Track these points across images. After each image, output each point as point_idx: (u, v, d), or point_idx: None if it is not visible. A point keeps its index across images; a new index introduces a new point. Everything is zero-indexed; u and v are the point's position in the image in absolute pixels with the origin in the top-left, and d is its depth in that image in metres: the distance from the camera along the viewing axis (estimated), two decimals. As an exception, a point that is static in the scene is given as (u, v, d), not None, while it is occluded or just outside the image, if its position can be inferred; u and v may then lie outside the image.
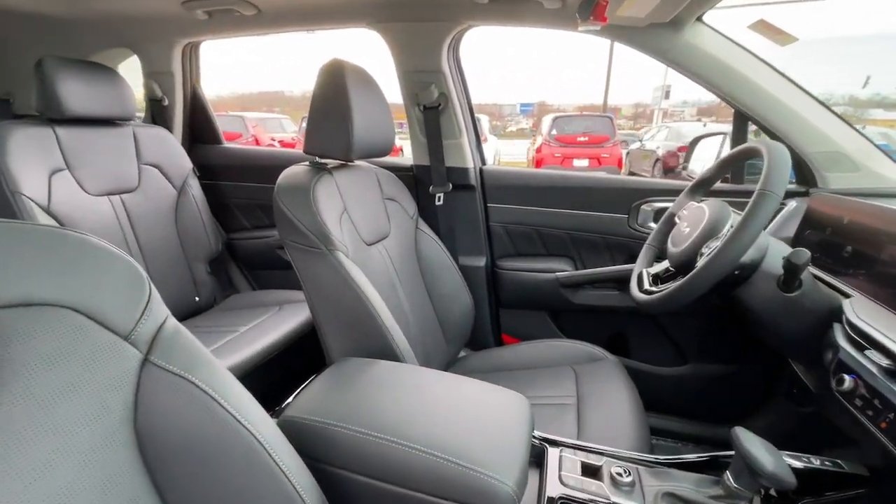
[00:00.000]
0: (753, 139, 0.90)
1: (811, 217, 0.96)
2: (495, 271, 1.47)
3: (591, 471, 0.70)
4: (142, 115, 1.73)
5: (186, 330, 0.52)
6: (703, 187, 1.02)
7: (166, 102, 1.66)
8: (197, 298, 1.53)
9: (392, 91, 1.40)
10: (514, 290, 1.46)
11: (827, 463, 0.67)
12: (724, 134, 1.24)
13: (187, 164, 1.55)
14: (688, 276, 0.77)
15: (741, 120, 1.16)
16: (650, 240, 1.07)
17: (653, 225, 1.29)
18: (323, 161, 1.03)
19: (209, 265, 1.58)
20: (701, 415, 1.34)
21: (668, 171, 7.91)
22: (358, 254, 0.96)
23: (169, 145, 1.52)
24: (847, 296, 0.77)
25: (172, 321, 0.51)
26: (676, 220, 1.00)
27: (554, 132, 8.40)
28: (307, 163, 1.02)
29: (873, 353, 0.61)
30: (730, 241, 0.72)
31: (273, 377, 1.31)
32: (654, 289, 0.91)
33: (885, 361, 0.59)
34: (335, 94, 0.95)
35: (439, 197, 1.41)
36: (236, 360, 1.14)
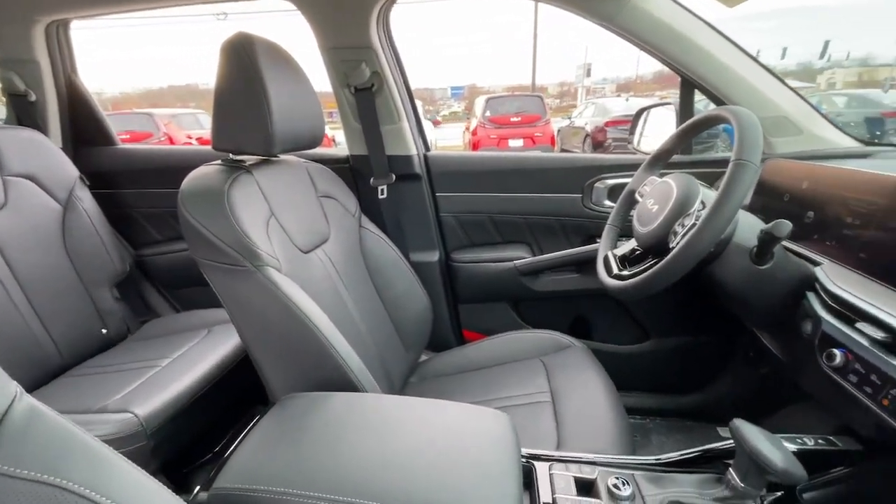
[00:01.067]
0: (715, 108, 0.86)
1: (766, 184, 0.95)
2: (450, 265, 1.38)
3: (585, 486, 0.63)
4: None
5: (50, 410, 0.37)
6: (661, 160, 0.97)
7: (34, 98, 1.36)
8: (104, 331, 1.29)
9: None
10: (472, 283, 1.38)
11: (821, 441, 0.65)
12: (670, 104, 1.21)
13: (72, 171, 1.28)
14: (666, 258, 0.71)
15: (688, 89, 1.13)
16: (611, 220, 1.02)
17: (609, 203, 1.25)
18: (239, 158, 0.86)
19: (116, 289, 1.34)
20: (665, 388, 1.35)
21: (598, 145, 8.23)
22: (293, 265, 0.82)
23: (44, 150, 1.25)
24: (816, 263, 0.75)
25: (25, 402, 0.36)
26: (638, 196, 0.95)
27: (488, 113, 8.42)
28: (219, 161, 0.85)
29: (865, 326, 0.58)
30: (710, 217, 0.66)
31: (209, 416, 1.13)
32: (625, 273, 0.85)
33: (879, 334, 0.56)
34: (245, 75, 0.78)
35: (382, 189, 1.28)
36: (158, 403, 0.96)
